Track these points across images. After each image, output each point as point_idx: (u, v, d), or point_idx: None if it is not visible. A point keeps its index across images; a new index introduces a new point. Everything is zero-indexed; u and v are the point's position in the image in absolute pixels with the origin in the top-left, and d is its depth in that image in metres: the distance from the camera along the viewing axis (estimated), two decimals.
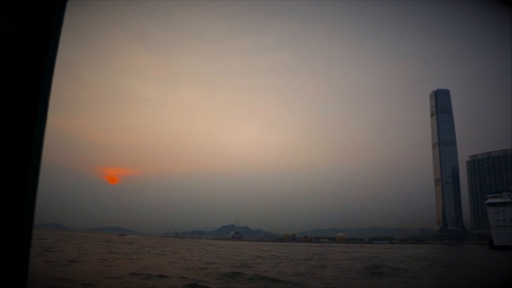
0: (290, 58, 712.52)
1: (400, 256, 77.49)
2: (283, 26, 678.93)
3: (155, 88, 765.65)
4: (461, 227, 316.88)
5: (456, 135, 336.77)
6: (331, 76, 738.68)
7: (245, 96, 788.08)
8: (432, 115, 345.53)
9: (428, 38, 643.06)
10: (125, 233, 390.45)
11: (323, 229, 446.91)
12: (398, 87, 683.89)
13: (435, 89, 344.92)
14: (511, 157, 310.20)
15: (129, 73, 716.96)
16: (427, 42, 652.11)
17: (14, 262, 2.65)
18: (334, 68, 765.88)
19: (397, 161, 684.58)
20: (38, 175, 2.86)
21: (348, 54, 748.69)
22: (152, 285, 25.49)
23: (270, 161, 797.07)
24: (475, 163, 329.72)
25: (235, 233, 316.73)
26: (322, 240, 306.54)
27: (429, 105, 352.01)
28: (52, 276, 26.63)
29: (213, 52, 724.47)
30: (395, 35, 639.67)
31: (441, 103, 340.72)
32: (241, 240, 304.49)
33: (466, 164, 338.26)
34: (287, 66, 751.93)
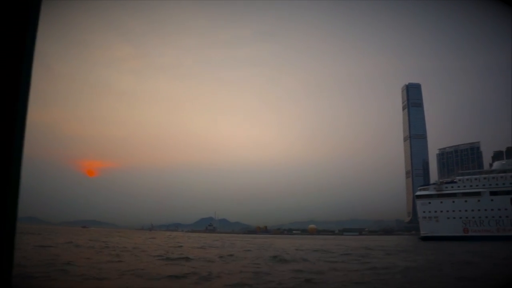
0: (269, 51, 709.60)
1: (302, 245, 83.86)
2: (261, 19, 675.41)
3: (132, 80, 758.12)
4: None
5: (426, 128, 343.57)
6: (306, 69, 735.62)
7: (224, 89, 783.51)
8: (403, 108, 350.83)
9: (404, 34, 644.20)
10: (87, 225, 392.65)
11: (301, 221, 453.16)
12: (373, 80, 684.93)
13: (407, 83, 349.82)
14: (478, 150, 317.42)
15: (106, 64, 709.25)
16: (402, 38, 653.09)
17: None
18: (310, 61, 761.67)
19: (374, 153, 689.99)
20: (20, 170, 2.85)
21: (325, 47, 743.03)
22: None
23: (250, 154, 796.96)
24: (444, 156, 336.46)
25: (209, 225, 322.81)
26: (294, 232, 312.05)
27: (401, 98, 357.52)
28: None
29: (191, 44, 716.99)
30: (372, 30, 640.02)
31: (412, 96, 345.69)
32: (214, 232, 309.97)
33: (436, 156, 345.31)
34: (266, 59, 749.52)
